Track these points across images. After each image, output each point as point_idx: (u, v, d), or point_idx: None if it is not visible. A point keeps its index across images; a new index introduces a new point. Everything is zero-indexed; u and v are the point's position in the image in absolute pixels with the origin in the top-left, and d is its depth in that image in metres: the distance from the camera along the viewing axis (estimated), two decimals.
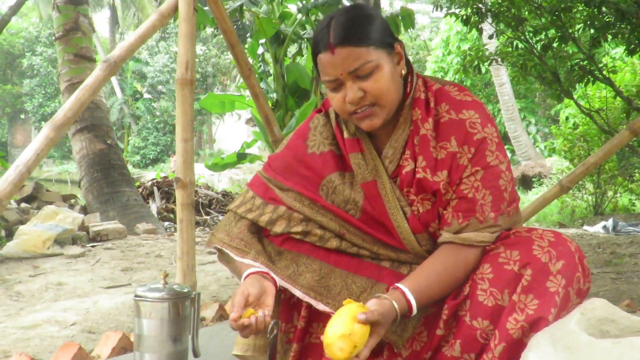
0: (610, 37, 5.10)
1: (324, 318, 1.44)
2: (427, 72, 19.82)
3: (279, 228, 1.50)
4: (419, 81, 1.50)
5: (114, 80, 27.57)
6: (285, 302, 1.57)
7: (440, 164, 1.42)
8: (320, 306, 1.47)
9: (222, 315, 2.82)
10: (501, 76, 15.68)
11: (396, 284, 1.37)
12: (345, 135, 1.52)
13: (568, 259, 1.31)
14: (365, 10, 1.40)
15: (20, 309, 3.50)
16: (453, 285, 1.40)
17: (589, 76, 5.51)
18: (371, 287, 1.50)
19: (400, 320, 1.35)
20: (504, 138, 18.00)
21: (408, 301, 1.34)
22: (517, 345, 1.25)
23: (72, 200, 8.69)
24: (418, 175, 1.43)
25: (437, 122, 1.44)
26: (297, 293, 1.48)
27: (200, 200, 9.74)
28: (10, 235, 5.57)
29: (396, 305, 1.32)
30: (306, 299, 1.48)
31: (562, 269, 1.30)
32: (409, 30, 7.23)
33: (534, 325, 1.26)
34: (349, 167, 1.52)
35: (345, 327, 1.23)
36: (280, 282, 1.48)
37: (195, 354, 1.89)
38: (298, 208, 1.50)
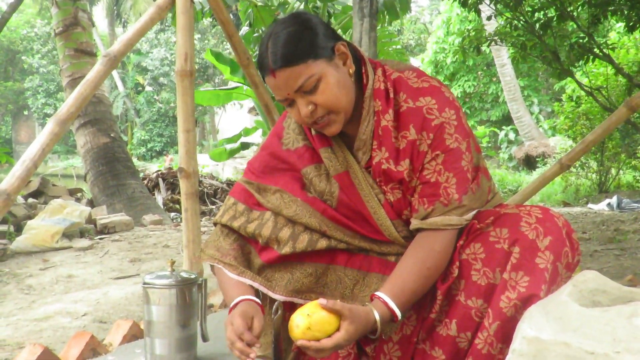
0: (610, 14, 5.09)
1: None
2: (429, 53, 19.73)
3: (266, 231, 1.52)
4: (379, 70, 1.51)
5: (115, 73, 27.60)
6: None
7: (402, 153, 1.45)
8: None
9: None
10: (502, 57, 15.62)
11: (375, 293, 1.38)
12: (313, 132, 1.54)
13: (555, 234, 1.33)
14: (299, 24, 1.39)
15: (32, 301, 3.57)
16: (431, 277, 1.42)
17: (589, 54, 5.51)
18: (363, 278, 1.54)
19: (385, 325, 1.36)
20: (507, 119, 17.97)
21: (386, 304, 1.35)
22: (510, 322, 1.28)
23: (79, 194, 8.76)
24: (383, 167, 1.46)
25: (397, 111, 1.46)
26: (300, 302, 1.50)
27: (205, 190, 9.81)
28: (19, 230, 5.63)
29: (375, 311, 1.33)
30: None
31: (550, 244, 1.32)
32: (407, 14, 7.23)
33: (527, 302, 1.28)
34: (322, 160, 1.55)
35: (306, 308, 1.27)
36: (283, 298, 1.51)
37: (204, 339, 1.94)
38: (280, 210, 1.53)
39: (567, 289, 1.14)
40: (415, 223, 1.44)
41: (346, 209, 1.52)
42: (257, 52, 1.49)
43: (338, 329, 1.27)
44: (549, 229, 1.34)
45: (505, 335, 1.30)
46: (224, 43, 26.37)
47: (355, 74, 1.48)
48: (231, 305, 1.44)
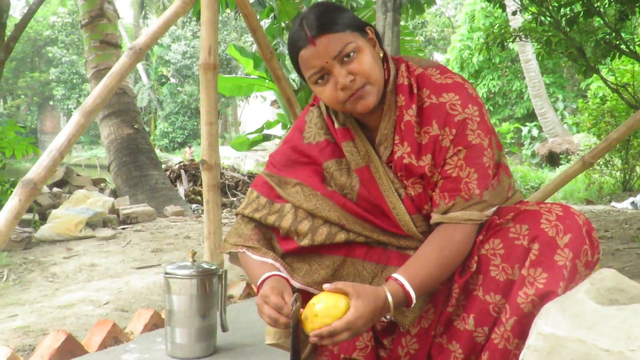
0: (638, 10, 5.01)
1: None
2: (453, 50, 19.59)
3: (286, 223, 1.53)
4: (402, 66, 1.52)
5: (139, 65, 27.82)
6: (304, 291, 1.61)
7: (424, 148, 1.46)
8: None
9: (249, 293, 2.90)
10: (527, 52, 15.47)
11: (391, 275, 1.39)
12: (336, 125, 1.56)
13: (575, 232, 1.34)
14: (332, 4, 1.45)
15: (55, 289, 3.63)
16: (449, 266, 1.42)
17: (615, 50, 5.43)
18: (381, 271, 1.55)
19: (399, 307, 1.37)
20: (531, 115, 17.79)
21: (402, 285, 1.35)
22: (528, 318, 1.29)
23: (102, 184, 8.87)
24: (404, 161, 1.47)
25: (420, 107, 1.47)
26: (317, 292, 1.52)
27: (226, 182, 9.87)
28: (43, 218, 5.73)
29: (385, 289, 1.33)
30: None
31: (570, 242, 1.33)
32: (432, 7, 7.20)
33: (544, 298, 1.29)
34: (344, 154, 1.56)
35: (313, 299, 1.29)
36: (299, 285, 1.53)
37: (224, 329, 1.97)
38: (301, 203, 1.54)
39: (584, 287, 1.14)
40: (435, 217, 1.45)
41: (366, 202, 1.53)
42: (287, 37, 1.50)
43: None
44: (569, 227, 1.34)
45: (522, 331, 1.31)
46: (245, 36, 26.42)
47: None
48: (258, 284, 1.45)
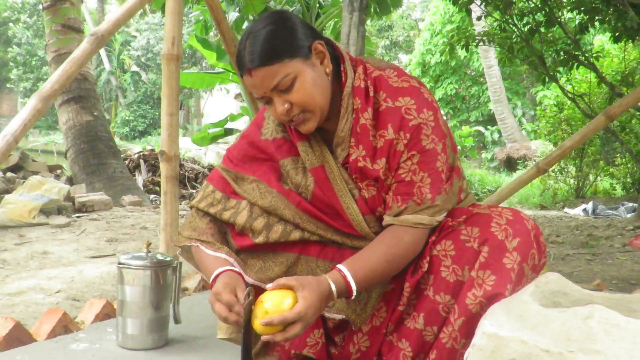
0: (597, 23, 5.15)
1: None
2: (416, 54, 19.78)
3: (241, 220, 1.54)
4: (360, 68, 1.53)
5: (102, 51, 27.30)
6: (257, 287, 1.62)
7: (379, 152, 1.48)
8: None
9: (204, 286, 2.89)
10: (490, 58, 15.73)
11: (337, 265, 1.41)
12: (292, 125, 1.56)
13: (524, 236, 1.38)
14: (277, 22, 1.42)
15: (5, 276, 3.55)
16: (394, 264, 1.45)
17: (574, 61, 5.58)
18: None
19: (340, 297, 1.40)
20: (491, 120, 18.12)
21: (344, 277, 1.38)
22: (475, 319, 1.31)
23: (58, 171, 8.70)
24: (359, 164, 1.49)
25: (376, 110, 1.49)
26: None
27: (186, 174, 9.78)
28: None
29: (328, 278, 1.36)
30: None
31: (518, 246, 1.37)
32: (398, 9, 7.26)
33: (492, 300, 1.33)
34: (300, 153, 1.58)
35: (261, 297, 1.30)
36: (252, 281, 1.55)
37: (176, 321, 1.96)
38: (256, 200, 1.55)
39: (529, 289, 1.18)
40: (387, 219, 1.48)
41: (320, 202, 1.54)
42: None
43: None
44: (518, 231, 1.38)
45: (469, 331, 1.34)
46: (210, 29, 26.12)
47: (335, 72, 1.51)
48: (212, 278, 1.46)
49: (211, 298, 1.38)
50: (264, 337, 1.28)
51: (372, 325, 1.55)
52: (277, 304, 1.28)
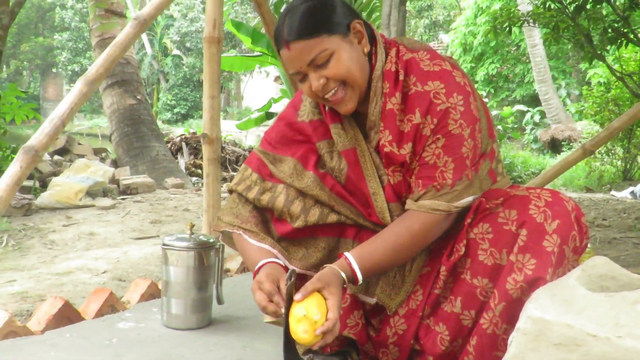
0: None
1: None
2: (455, 34, 19.39)
3: (279, 204, 1.55)
4: (392, 51, 1.51)
5: (143, 35, 27.62)
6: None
7: (406, 136, 1.45)
8: None
9: (245, 268, 2.92)
10: (534, 37, 15.33)
11: (344, 253, 1.44)
12: (327, 107, 1.55)
13: (564, 218, 1.35)
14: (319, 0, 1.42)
15: (54, 256, 3.67)
16: (403, 253, 1.45)
17: (623, 38, 5.40)
18: None
19: (349, 283, 1.41)
20: (535, 100, 17.71)
21: (350, 264, 1.41)
22: (516, 304, 1.30)
23: (103, 154, 8.89)
24: (385, 149, 1.48)
25: (406, 94, 1.47)
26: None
27: (227, 156, 9.87)
28: (44, 186, 5.76)
29: (339, 269, 1.39)
30: None
31: (558, 228, 1.34)
32: None
33: (533, 284, 1.30)
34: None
35: (292, 314, 1.31)
36: (299, 271, 1.55)
37: (219, 301, 2.00)
38: (292, 181, 1.56)
39: (575, 273, 1.16)
40: (408, 203, 1.47)
41: (353, 186, 1.55)
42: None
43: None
44: (558, 213, 1.35)
45: (510, 317, 1.32)
46: (247, 15, 26.12)
47: (371, 54, 1.50)
48: (255, 269, 1.48)
49: (253, 286, 1.40)
50: (316, 346, 1.30)
51: (408, 308, 1.54)
52: (313, 307, 1.30)
